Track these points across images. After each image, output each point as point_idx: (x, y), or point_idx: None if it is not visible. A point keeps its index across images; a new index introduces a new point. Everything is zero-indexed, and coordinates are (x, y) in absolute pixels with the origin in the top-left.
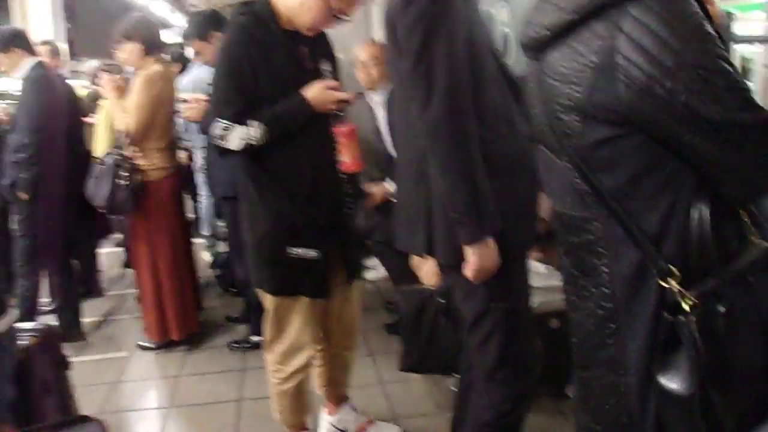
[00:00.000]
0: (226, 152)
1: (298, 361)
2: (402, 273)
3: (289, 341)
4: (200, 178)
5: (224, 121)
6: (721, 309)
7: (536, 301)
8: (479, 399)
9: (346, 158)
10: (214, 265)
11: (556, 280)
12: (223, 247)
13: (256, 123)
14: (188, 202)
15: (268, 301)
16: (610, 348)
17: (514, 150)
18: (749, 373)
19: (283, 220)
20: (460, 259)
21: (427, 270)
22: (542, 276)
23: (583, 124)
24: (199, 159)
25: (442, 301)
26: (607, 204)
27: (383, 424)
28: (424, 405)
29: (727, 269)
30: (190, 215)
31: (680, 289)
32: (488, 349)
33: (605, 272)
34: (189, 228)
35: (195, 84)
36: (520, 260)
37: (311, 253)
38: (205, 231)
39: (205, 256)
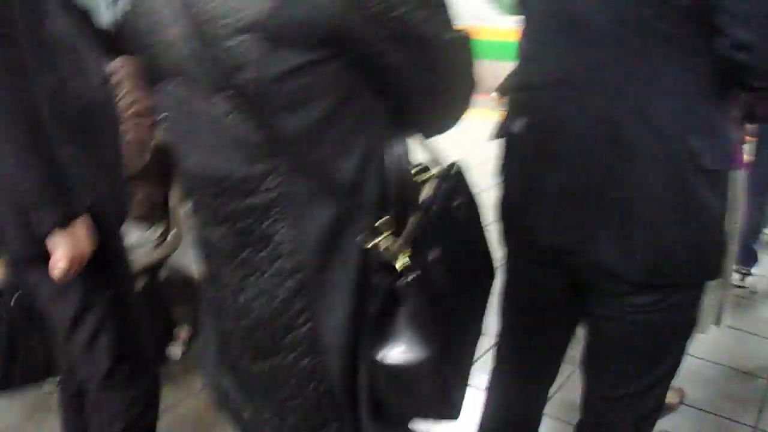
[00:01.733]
0: None
1: None
2: None
3: None
4: None
5: None
6: (434, 255)
7: None
8: (99, 413)
9: None
10: None
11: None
12: None
13: None
14: None
15: None
16: (301, 329)
17: (87, 95)
18: (464, 325)
19: None
20: (40, 250)
21: None
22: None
23: (263, 49)
24: None
25: (13, 299)
26: (290, 154)
27: None
28: (10, 415)
29: (421, 206)
30: None
31: (392, 245)
32: (97, 352)
33: (285, 242)
34: None
35: None
36: (117, 233)
37: None
38: None
39: None
